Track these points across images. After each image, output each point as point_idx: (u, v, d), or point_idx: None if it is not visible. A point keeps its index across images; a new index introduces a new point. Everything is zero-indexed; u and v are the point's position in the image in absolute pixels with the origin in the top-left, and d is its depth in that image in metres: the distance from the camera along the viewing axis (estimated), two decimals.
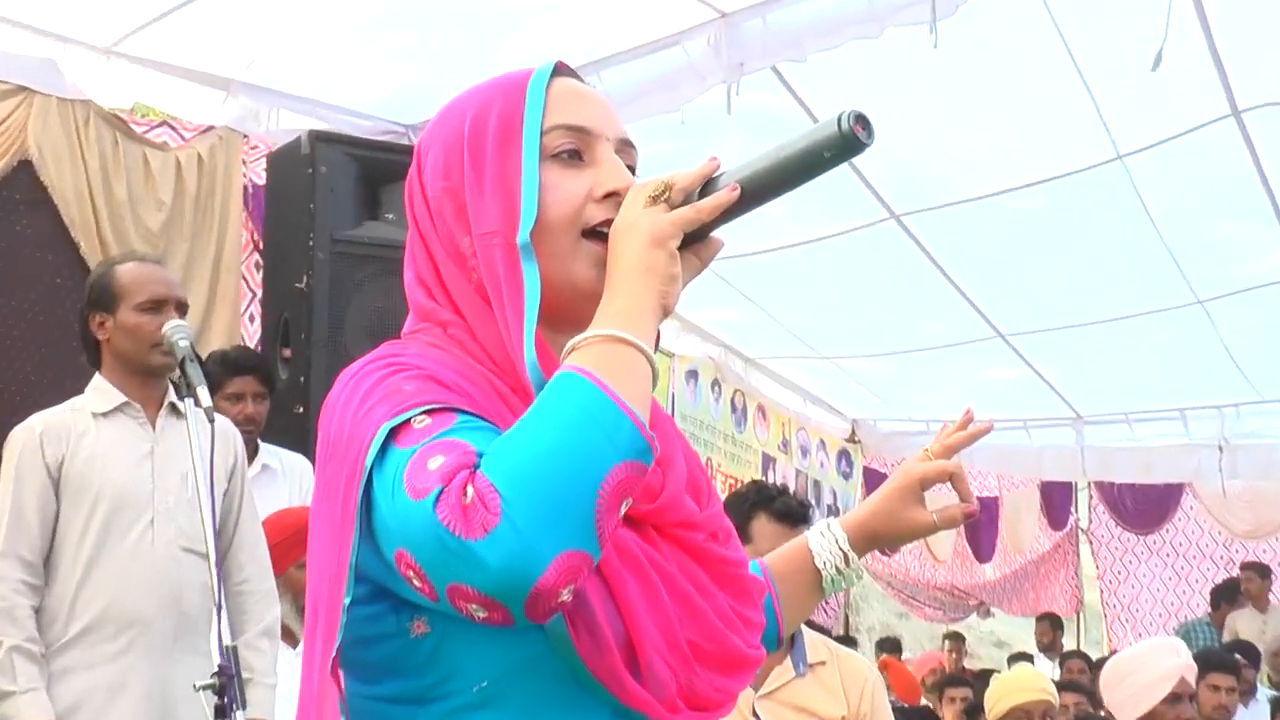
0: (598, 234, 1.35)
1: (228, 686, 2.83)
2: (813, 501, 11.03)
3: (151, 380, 3.51)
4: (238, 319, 6.00)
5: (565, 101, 1.40)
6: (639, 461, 1.16)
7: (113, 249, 5.35)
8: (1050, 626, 12.07)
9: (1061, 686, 6.32)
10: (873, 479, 11.83)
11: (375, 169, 5.16)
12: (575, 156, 1.37)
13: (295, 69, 5.99)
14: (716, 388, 9.60)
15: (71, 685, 3.29)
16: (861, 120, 1.27)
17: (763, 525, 3.28)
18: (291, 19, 5.60)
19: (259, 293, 5.77)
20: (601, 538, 1.13)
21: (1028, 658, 10.96)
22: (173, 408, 3.54)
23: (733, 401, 9.83)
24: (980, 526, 13.07)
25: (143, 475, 3.43)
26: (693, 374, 9.28)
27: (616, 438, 1.14)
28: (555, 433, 1.13)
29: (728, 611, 1.35)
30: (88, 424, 3.42)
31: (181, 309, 3.48)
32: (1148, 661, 4.25)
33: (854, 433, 11.44)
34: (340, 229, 5.07)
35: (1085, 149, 6.70)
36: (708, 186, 1.32)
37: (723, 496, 1.96)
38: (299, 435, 4.93)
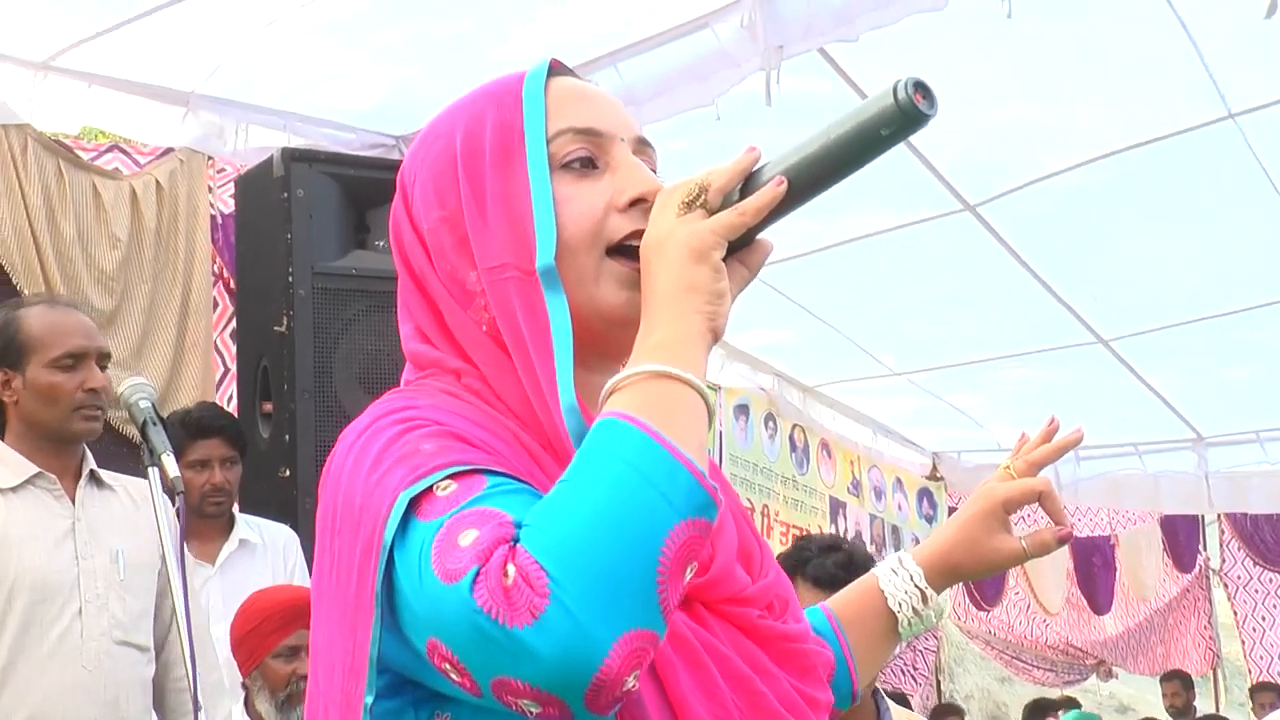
0: (624, 250, 1.36)
1: None
2: (892, 551, 11.04)
3: (68, 448, 3.47)
4: (210, 369, 6.08)
5: (568, 103, 1.42)
6: (701, 519, 1.16)
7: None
8: (1181, 686, 12.01)
9: None
10: None
11: (361, 189, 5.21)
12: (588, 164, 1.39)
13: (265, 77, 6.08)
14: (771, 423, 9.65)
15: None
16: (921, 88, 1.27)
17: (802, 592, 3.34)
18: (259, 21, 5.67)
19: (233, 338, 5.84)
20: (666, 611, 1.14)
21: None
22: (93, 477, 3.50)
23: (791, 439, 9.88)
24: (1095, 572, 13.03)
25: (65, 558, 3.36)
26: (742, 409, 9.34)
27: (674, 494, 1.15)
28: (604, 494, 1.13)
29: (792, 695, 1.36)
30: None
31: (103, 360, 3.47)
32: None
33: (935, 468, 11.46)
34: (322, 260, 5.12)
35: (1190, 108, 6.69)
36: (749, 183, 1.32)
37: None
38: (283, 503, 4.98)
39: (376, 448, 1.26)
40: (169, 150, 6.10)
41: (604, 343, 1.37)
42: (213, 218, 6.17)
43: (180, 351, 5.98)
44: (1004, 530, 1.72)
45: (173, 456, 3.14)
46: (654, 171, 1.43)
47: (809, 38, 5.64)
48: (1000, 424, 10.58)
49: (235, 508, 4.97)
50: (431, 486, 1.19)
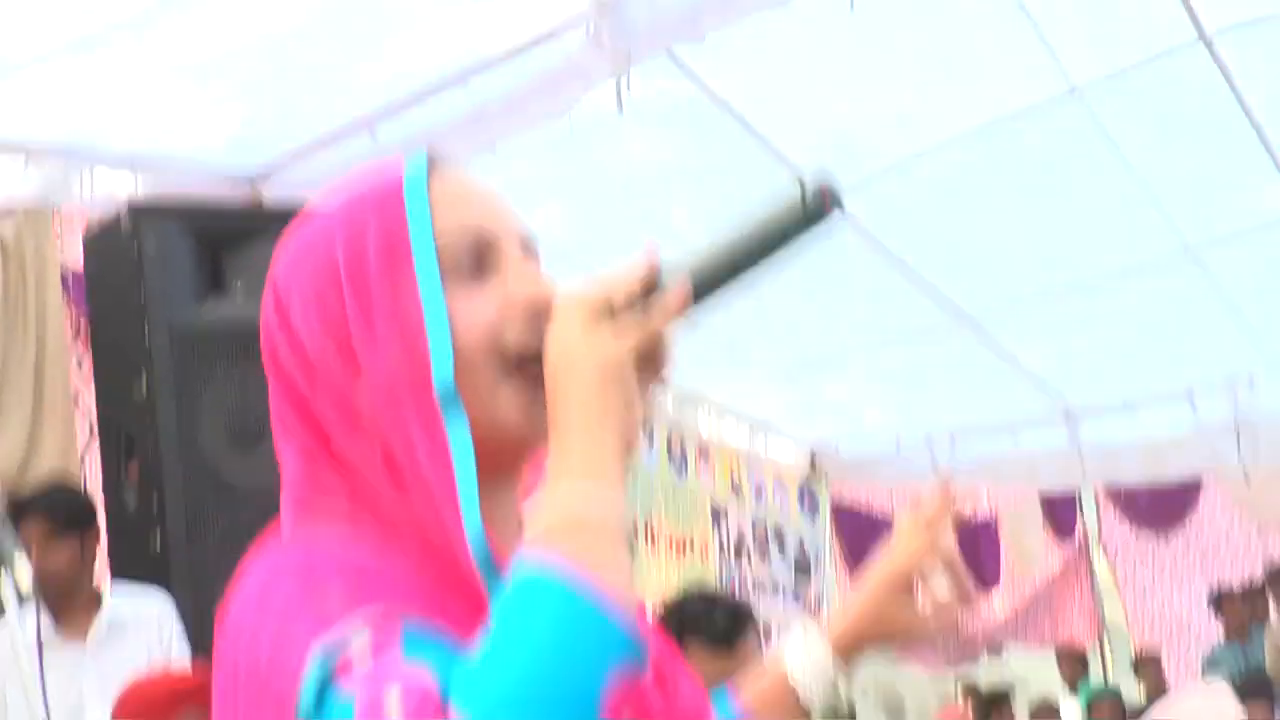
0: (522, 365, 1.32)
1: None
2: (776, 552, 11.08)
3: None
4: (71, 431, 5.94)
5: (453, 202, 1.36)
6: (632, 663, 1.14)
7: None
8: (1074, 660, 12.22)
9: None
10: (843, 519, 11.90)
11: (214, 236, 5.13)
12: (478, 268, 1.34)
13: (108, 122, 5.92)
14: (647, 433, 9.63)
15: None
16: (828, 191, 1.30)
17: (697, 652, 3.33)
18: (98, 64, 5.54)
19: (94, 403, 5.71)
20: None
21: (1052, 711, 11.04)
22: None
23: (668, 446, 9.87)
24: (981, 553, 13.19)
25: None
26: None
27: (605, 641, 1.12)
28: (534, 647, 1.11)
29: None
30: None
31: None
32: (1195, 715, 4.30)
33: (814, 463, 11.52)
34: (180, 315, 5.02)
35: (1034, 85, 6.82)
36: (650, 285, 1.30)
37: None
38: (154, 566, 4.88)
39: (278, 598, 1.23)
40: (9, 208, 5.92)
41: (501, 456, 1.34)
42: (64, 274, 5.99)
43: (38, 415, 5.83)
44: (908, 601, 1.73)
45: (27, 568, 2.98)
46: (539, 271, 1.39)
47: (655, 40, 5.68)
48: (876, 412, 10.68)
49: (100, 580, 4.87)
50: (346, 640, 1.15)
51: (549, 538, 1.17)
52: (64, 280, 5.99)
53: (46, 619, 4.30)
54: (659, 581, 9.63)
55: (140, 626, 4.60)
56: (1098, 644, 14.39)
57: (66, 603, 4.55)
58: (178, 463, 4.97)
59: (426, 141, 5.72)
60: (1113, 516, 13.23)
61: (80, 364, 5.95)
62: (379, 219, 1.34)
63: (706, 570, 10.10)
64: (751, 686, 1.75)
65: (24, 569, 2.96)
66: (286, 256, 1.40)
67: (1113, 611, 14.26)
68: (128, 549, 5.10)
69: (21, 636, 2.93)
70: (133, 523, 5.08)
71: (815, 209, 1.29)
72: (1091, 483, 11.95)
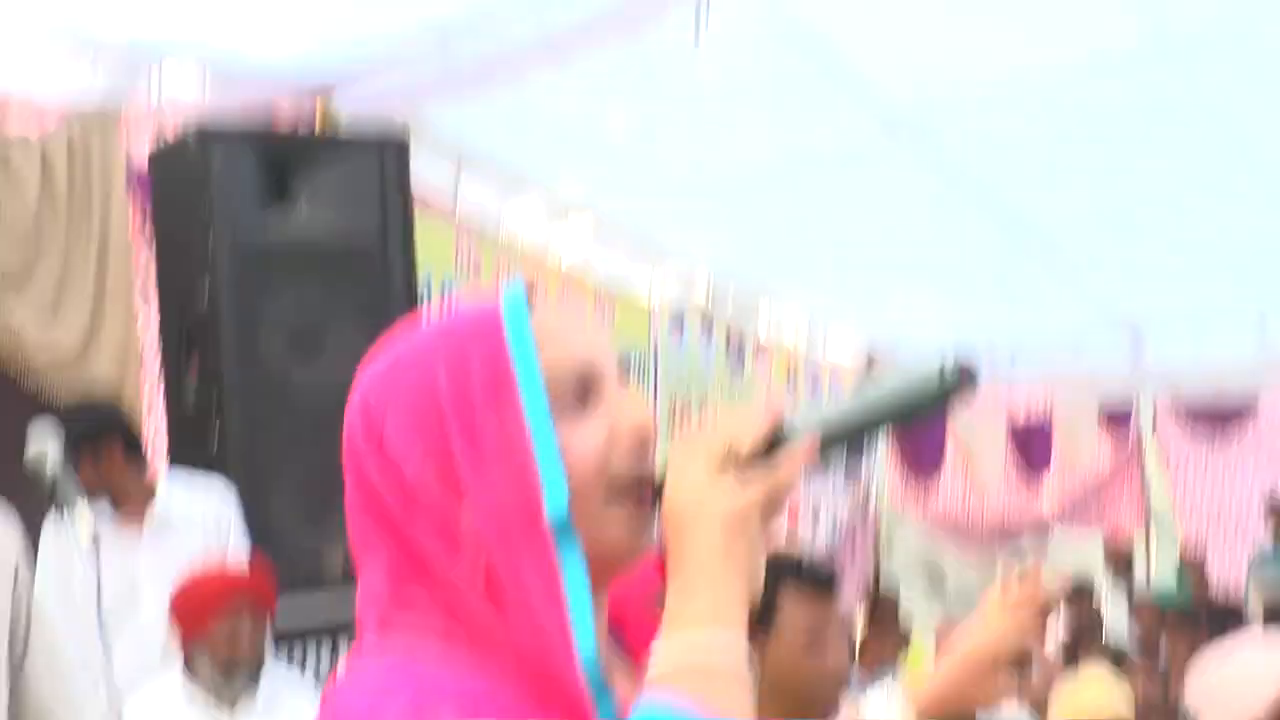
0: (626, 491, 1.34)
1: None
2: None
3: None
4: (132, 325, 6.00)
5: (555, 332, 1.37)
6: None
7: None
8: (1119, 553, 12.27)
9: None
10: None
11: (280, 155, 5.16)
12: (582, 401, 1.35)
13: (177, 25, 5.86)
14: (706, 330, 9.66)
15: None
16: (967, 371, 1.31)
17: (792, 600, 3.34)
18: None
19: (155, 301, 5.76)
20: None
21: (1086, 592, 11.07)
22: None
23: (726, 342, 9.89)
24: (1032, 446, 13.21)
25: None
26: (676, 319, 9.33)
27: None
28: None
29: None
30: None
31: None
32: (1247, 668, 4.30)
33: (870, 364, 11.49)
34: (243, 229, 5.07)
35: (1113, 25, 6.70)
36: (774, 437, 1.32)
37: None
38: (212, 470, 4.98)
39: (393, 711, 1.24)
40: (78, 105, 5.93)
41: (600, 577, 1.35)
42: (130, 175, 6.01)
43: (99, 309, 5.89)
44: (994, 679, 1.79)
45: (89, 518, 3.02)
46: (638, 397, 1.41)
47: None
48: (935, 319, 10.61)
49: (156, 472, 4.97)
50: None
51: (676, 680, 1.20)
52: (129, 180, 6.00)
53: (103, 512, 4.43)
54: None
55: (196, 517, 4.68)
56: (1143, 536, 14.45)
57: (123, 498, 4.64)
58: (237, 367, 5.06)
59: (497, 62, 5.68)
60: (1169, 426, 13.21)
61: (144, 264, 5.97)
62: (482, 348, 1.34)
63: None
64: None
65: (85, 517, 3.02)
66: (379, 379, 1.40)
67: (1161, 506, 14.29)
68: (186, 448, 5.21)
69: (78, 530, 2.99)
70: (191, 422, 5.18)
71: (952, 385, 1.30)
72: (1151, 397, 11.90)
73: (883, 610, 9.68)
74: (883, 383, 1.34)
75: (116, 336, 5.92)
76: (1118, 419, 13.42)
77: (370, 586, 1.38)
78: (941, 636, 11.20)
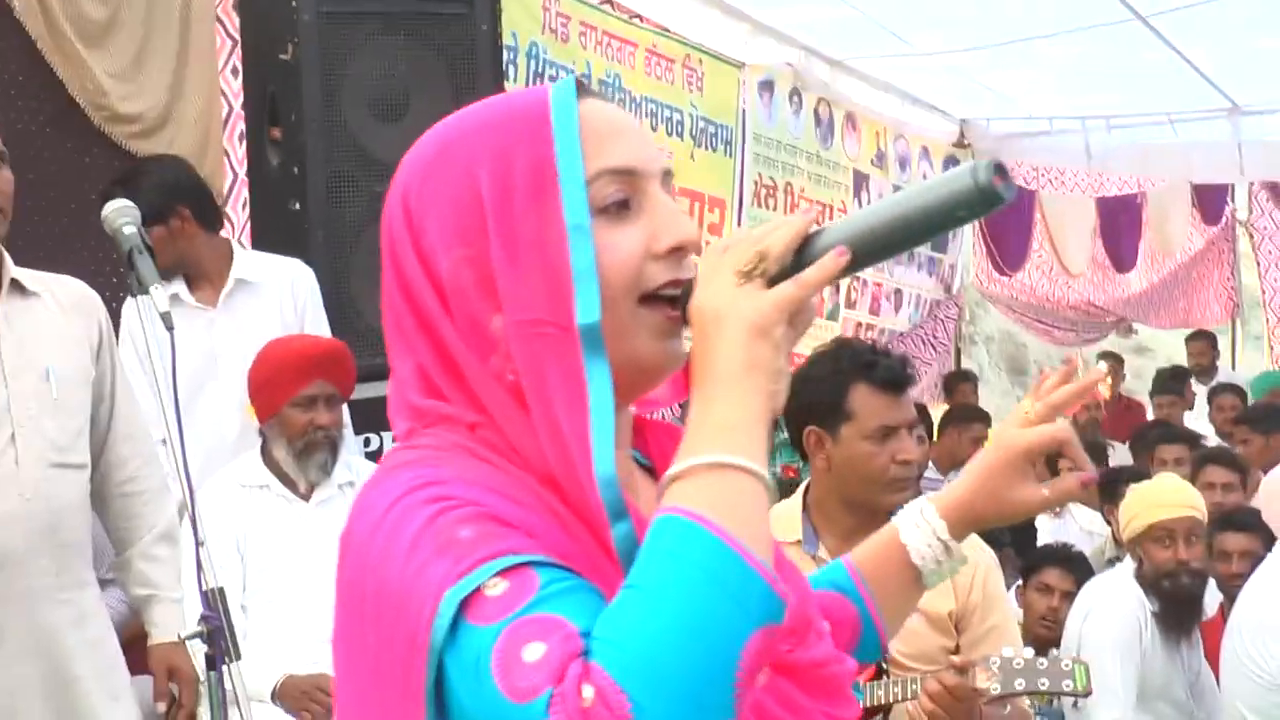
0: (658, 298, 1.33)
1: (216, 634, 2.87)
2: None
3: None
4: (216, 95, 5.97)
5: (604, 137, 1.34)
6: (773, 624, 1.16)
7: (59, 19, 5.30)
8: (1207, 345, 12.18)
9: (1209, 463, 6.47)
10: None
11: None
12: (623, 206, 1.33)
13: None
14: (796, 98, 9.50)
15: None
16: (1000, 171, 1.26)
17: (864, 397, 3.32)
18: None
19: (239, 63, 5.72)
20: (740, 716, 1.14)
21: (1182, 375, 11.02)
22: (16, 285, 3.25)
23: (816, 113, 9.74)
24: (1121, 229, 13.07)
25: None
26: (767, 85, 9.17)
27: (749, 603, 1.14)
28: (679, 605, 1.12)
29: None
30: None
31: None
32: None
33: (962, 136, 11.34)
34: None
35: None
36: (805, 246, 1.30)
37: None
38: (292, 234, 4.97)
39: (410, 531, 1.22)
40: None
41: (633, 389, 1.36)
42: None
43: (181, 69, 5.84)
44: (1026, 479, 1.70)
45: (163, 290, 3.01)
46: (681, 209, 1.38)
47: None
48: (1031, 93, 10.43)
49: (238, 244, 4.96)
50: (480, 586, 1.17)
51: (695, 492, 1.19)
52: None
53: (179, 286, 4.43)
54: None
55: (272, 287, 4.62)
56: (1230, 326, 14.36)
57: (199, 270, 4.61)
58: (319, 132, 5.02)
59: None
60: (1264, 200, 13.03)
61: (226, 30, 5.92)
62: (527, 149, 1.32)
63: None
64: (867, 551, 1.79)
65: (161, 292, 3.01)
66: (420, 169, 1.37)
67: (1250, 290, 14.18)
68: (268, 208, 5.20)
69: (153, 306, 2.99)
70: (274, 183, 5.16)
71: (989, 193, 1.26)
72: (1247, 176, 11.70)
73: (962, 400, 9.69)
74: (915, 191, 1.30)
75: (198, 104, 5.86)
76: (1211, 202, 13.26)
77: (401, 384, 1.38)
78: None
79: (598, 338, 1.27)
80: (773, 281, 1.27)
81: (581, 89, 1.37)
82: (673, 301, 1.33)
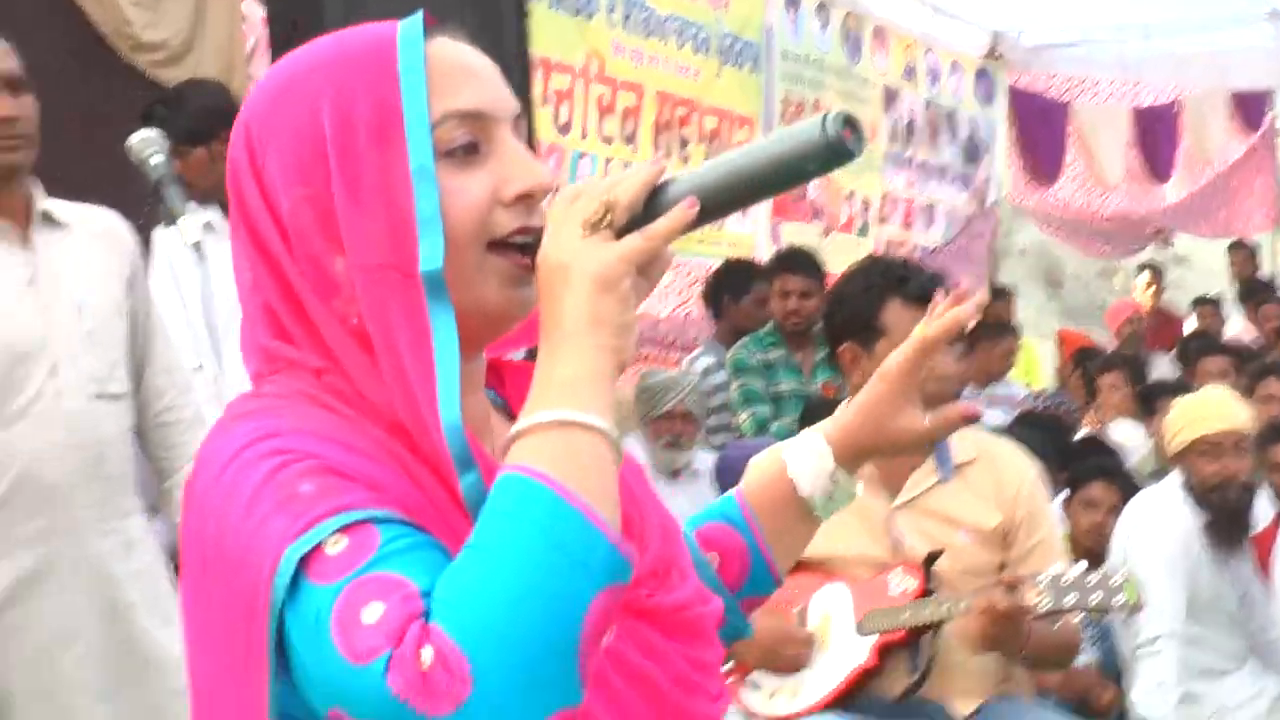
0: (506, 245, 1.31)
1: None
2: (947, 137, 10.95)
3: (3, 185, 3.15)
4: (238, 33, 5.94)
5: (451, 79, 1.31)
6: (618, 583, 1.15)
7: None
8: (1248, 255, 12.09)
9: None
10: (1021, 102, 11.66)
11: None
12: (471, 150, 1.30)
13: None
14: (823, 13, 9.42)
15: None
16: (850, 123, 1.26)
17: (897, 312, 3.31)
18: None
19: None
20: (585, 681, 1.14)
21: (1211, 304, 10.99)
22: (48, 217, 3.23)
23: (844, 28, 9.66)
24: (1158, 138, 12.93)
25: (28, 312, 3.14)
26: (792, 2, 9.10)
27: (592, 563, 1.13)
28: (521, 567, 1.11)
29: (685, 672, 1.37)
30: None
31: (13, 84, 3.13)
32: None
33: (994, 48, 11.22)
34: None
35: None
36: (654, 197, 1.28)
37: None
38: None
39: (249, 486, 1.20)
40: None
41: (479, 337, 1.34)
42: None
43: (202, 2, 5.81)
44: (909, 409, 1.64)
45: (194, 222, 2.99)
46: (530, 155, 1.35)
47: None
48: (1065, 8, 10.31)
49: None
50: (320, 543, 1.15)
51: (537, 449, 1.17)
52: None
53: (212, 214, 4.41)
54: None
55: None
56: (1272, 234, 14.24)
57: None
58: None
59: None
60: None
61: None
62: (372, 88, 1.29)
63: (875, 154, 10.03)
64: (755, 481, 1.72)
65: (192, 221, 2.99)
66: (264, 100, 1.34)
67: None
68: None
69: (184, 236, 2.98)
70: None
71: (837, 146, 1.25)
72: None
73: (997, 314, 9.62)
74: (765, 143, 1.28)
75: (220, 31, 5.84)
76: (1249, 108, 13.10)
77: (252, 322, 1.36)
78: (1062, 342, 11.17)
79: (440, 285, 1.25)
80: (621, 233, 1.25)
81: (432, 27, 1.33)
82: (523, 249, 1.30)
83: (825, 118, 1.25)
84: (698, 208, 1.26)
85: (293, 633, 1.16)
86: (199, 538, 1.24)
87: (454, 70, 1.31)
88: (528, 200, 1.31)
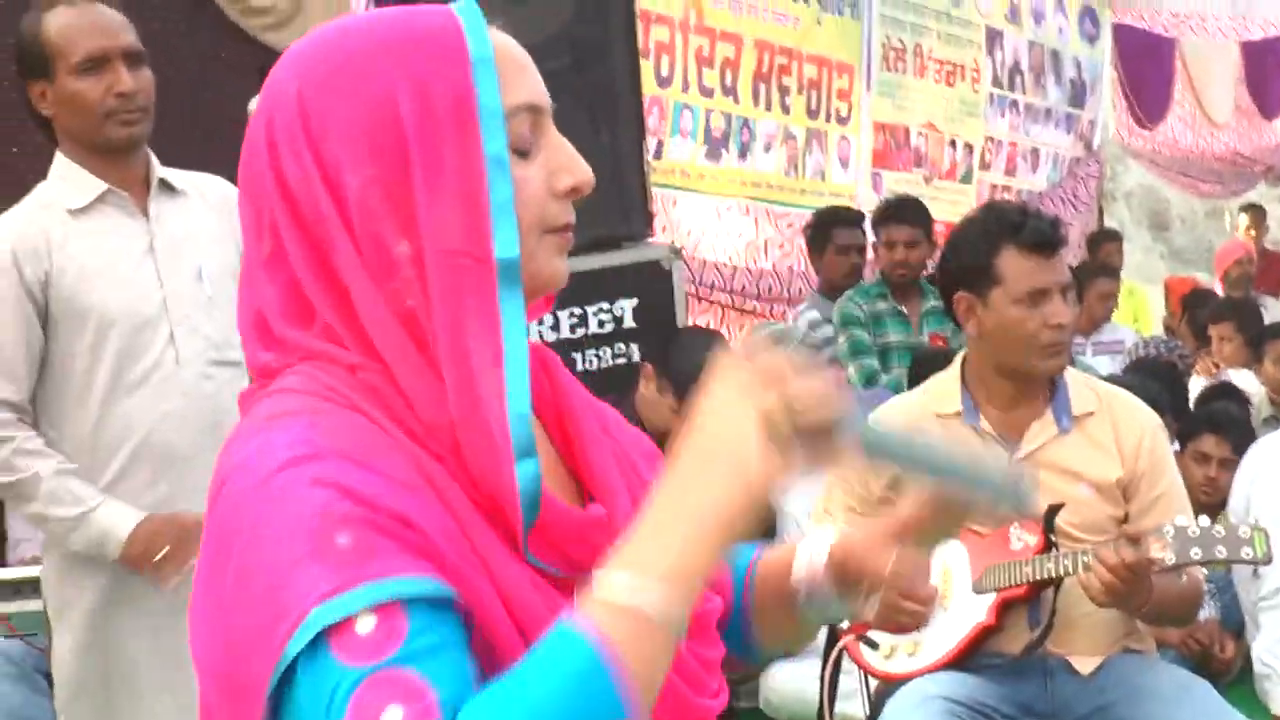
0: (555, 231, 1.36)
1: None
2: (1052, 79, 10.81)
3: (123, 157, 3.22)
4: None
5: (509, 71, 1.34)
6: None
7: None
8: None
9: None
10: (1126, 39, 11.49)
11: None
12: (528, 143, 1.34)
13: None
14: None
15: None
16: (1028, 504, 1.37)
17: (1013, 261, 3.26)
18: None
19: None
20: None
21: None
22: (165, 185, 3.28)
23: None
24: (1268, 74, 12.71)
25: (147, 280, 3.19)
26: None
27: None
28: (542, 710, 1.12)
29: (695, 669, 1.39)
30: (65, 226, 3.16)
31: (133, 58, 3.17)
32: None
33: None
34: None
35: None
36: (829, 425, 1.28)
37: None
38: None
39: (289, 514, 1.20)
40: None
41: (530, 300, 1.34)
42: None
43: None
44: (888, 552, 1.58)
45: None
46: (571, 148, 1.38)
47: None
48: None
49: None
50: (351, 617, 1.16)
51: (618, 627, 1.16)
52: None
53: None
54: (926, 111, 9.51)
55: None
56: None
57: None
58: None
59: None
60: None
61: None
62: (447, 78, 1.30)
63: (977, 98, 9.93)
64: (776, 551, 1.70)
65: None
66: (322, 71, 1.32)
67: None
68: None
69: None
70: None
71: (1009, 501, 1.36)
72: None
73: (1104, 259, 9.49)
74: (961, 456, 1.36)
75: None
76: None
77: (262, 302, 1.35)
78: (1171, 289, 11.02)
79: (516, 272, 1.29)
80: (785, 450, 1.25)
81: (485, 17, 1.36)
82: (566, 229, 1.37)
83: (1022, 482, 1.36)
84: (861, 455, 1.31)
85: (303, 688, 1.17)
86: (228, 536, 1.23)
87: (511, 63, 1.34)
88: (574, 194, 1.36)
